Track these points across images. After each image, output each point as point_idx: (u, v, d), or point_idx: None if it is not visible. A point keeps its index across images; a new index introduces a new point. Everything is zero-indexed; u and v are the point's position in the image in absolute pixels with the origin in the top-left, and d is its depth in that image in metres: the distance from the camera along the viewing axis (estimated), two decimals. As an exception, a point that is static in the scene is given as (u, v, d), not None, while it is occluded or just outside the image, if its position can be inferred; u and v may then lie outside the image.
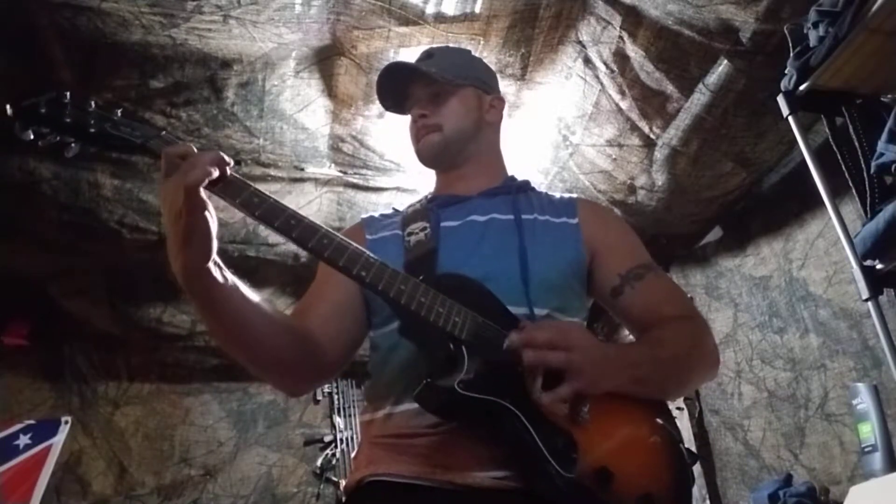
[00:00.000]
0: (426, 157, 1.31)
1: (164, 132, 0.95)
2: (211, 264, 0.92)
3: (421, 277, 0.99)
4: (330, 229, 0.95)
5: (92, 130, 0.92)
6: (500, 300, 1.04)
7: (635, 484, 0.98)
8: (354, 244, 0.95)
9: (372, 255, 0.96)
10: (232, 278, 0.96)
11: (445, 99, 1.29)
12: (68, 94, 0.91)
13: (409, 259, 1.13)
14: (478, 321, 0.98)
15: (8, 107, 0.89)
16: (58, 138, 0.92)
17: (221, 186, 0.90)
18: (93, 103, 0.93)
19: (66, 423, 3.49)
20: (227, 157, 0.90)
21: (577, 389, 0.93)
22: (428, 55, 1.33)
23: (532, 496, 0.95)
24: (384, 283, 0.94)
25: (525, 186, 1.33)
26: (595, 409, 0.98)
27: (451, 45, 2.24)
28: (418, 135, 1.29)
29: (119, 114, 0.95)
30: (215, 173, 0.88)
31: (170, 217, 0.88)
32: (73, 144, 0.93)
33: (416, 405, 0.98)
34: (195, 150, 0.91)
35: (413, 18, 2.19)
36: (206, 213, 0.89)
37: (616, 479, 0.95)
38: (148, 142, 0.93)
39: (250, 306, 0.99)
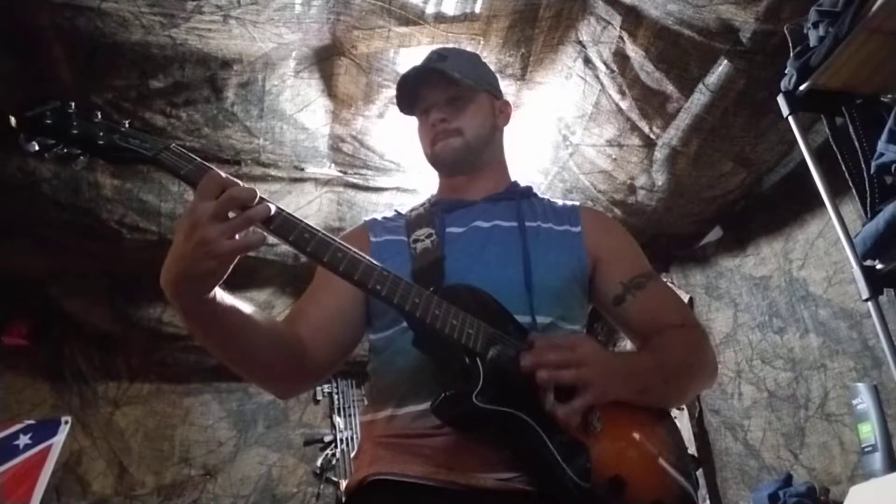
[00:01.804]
0: (444, 161, 1.30)
1: (172, 144, 0.92)
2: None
3: (431, 289, 1.00)
4: (342, 242, 0.95)
5: (101, 143, 0.89)
6: (507, 310, 1.05)
7: (647, 491, 0.99)
8: (367, 257, 0.95)
9: (385, 268, 0.96)
10: (221, 293, 0.95)
11: (465, 104, 1.29)
12: (73, 103, 0.89)
13: (416, 268, 1.13)
14: (489, 332, 0.99)
15: (11, 118, 0.86)
16: (65, 150, 0.89)
17: None
18: (98, 114, 0.91)
19: (66, 423, 3.49)
20: (270, 206, 0.88)
21: (589, 402, 0.94)
22: (441, 57, 1.31)
23: (537, 498, 0.96)
24: (399, 296, 0.95)
25: (528, 192, 1.34)
26: (605, 419, 0.99)
27: (456, 46, 2.24)
28: (436, 138, 1.28)
29: (127, 125, 0.92)
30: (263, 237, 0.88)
31: (195, 252, 0.84)
32: (81, 157, 0.90)
33: (419, 407, 1.00)
34: (237, 182, 0.88)
35: (413, 18, 2.19)
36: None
37: (629, 486, 0.96)
38: (159, 154, 0.91)
39: (238, 317, 0.98)
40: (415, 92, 1.32)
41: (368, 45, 2.27)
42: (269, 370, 1.09)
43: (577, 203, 1.34)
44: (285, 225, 0.91)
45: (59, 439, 3.42)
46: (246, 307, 1.00)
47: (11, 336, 3.52)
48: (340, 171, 2.87)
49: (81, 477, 3.64)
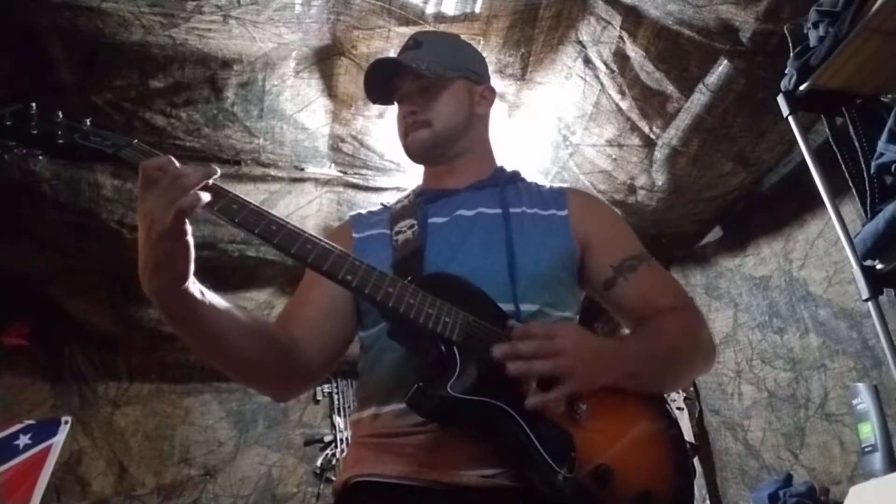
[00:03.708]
0: (414, 153, 1.29)
1: (135, 140, 0.93)
2: (188, 283, 0.90)
3: (409, 278, 0.97)
4: (313, 233, 0.93)
5: (60, 141, 0.91)
6: (490, 297, 1.02)
7: (635, 481, 0.96)
8: (339, 248, 0.93)
9: (357, 258, 0.93)
10: (207, 292, 0.94)
11: (436, 93, 1.25)
12: (34, 104, 0.90)
13: (397, 259, 1.12)
14: (468, 320, 0.96)
15: None
16: (24, 151, 0.90)
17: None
18: (59, 114, 0.92)
19: (66, 423, 3.48)
20: (211, 169, 0.88)
21: (567, 392, 0.92)
22: (416, 43, 1.28)
23: (522, 494, 0.94)
24: (371, 286, 0.92)
25: (514, 178, 1.31)
26: (592, 405, 0.97)
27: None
28: (407, 130, 1.27)
29: (88, 123, 0.93)
30: (206, 198, 0.86)
31: (149, 237, 0.85)
32: (40, 157, 0.92)
33: (402, 405, 0.97)
34: (175, 162, 0.88)
35: (413, 18, 2.19)
36: (189, 235, 0.88)
37: (615, 476, 0.94)
38: (119, 151, 0.92)
39: (227, 319, 0.97)
40: (387, 82, 1.30)
41: (368, 45, 2.27)
42: (263, 372, 1.08)
43: (565, 186, 1.31)
44: (252, 217, 0.90)
45: (59, 439, 3.42)
46: (235, 309, 0.99)
47: (11, 336, 3.52)
48: (340, 171, 2.87)
49: (81, 477, 3.64)
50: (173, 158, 0.88)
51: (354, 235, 1.23)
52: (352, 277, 0.91)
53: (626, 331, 1.20)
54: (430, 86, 1.25)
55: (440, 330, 0.94)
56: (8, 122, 0.88)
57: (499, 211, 1.19)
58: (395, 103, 1.32)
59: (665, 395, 1.11)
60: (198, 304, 0.92)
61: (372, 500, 1.00)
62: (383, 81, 1.30)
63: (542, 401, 0.90)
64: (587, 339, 0.98)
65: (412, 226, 1.17)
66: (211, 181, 0.88)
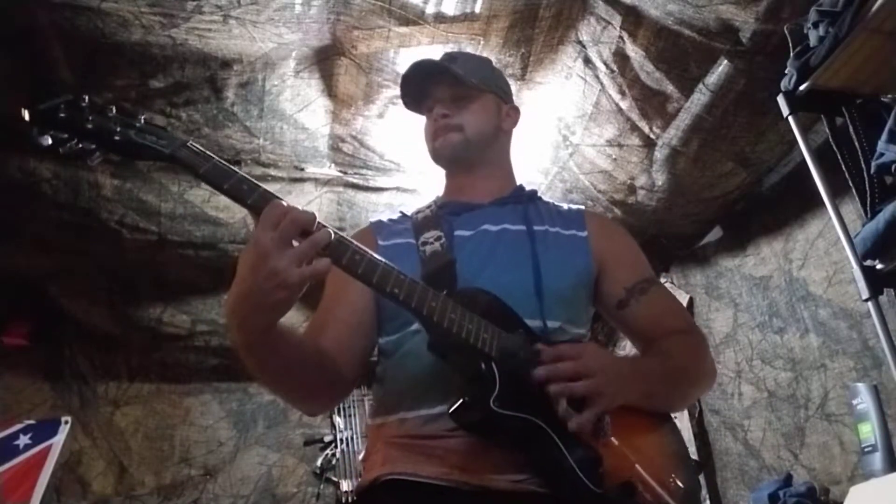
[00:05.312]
0: (443, 156, 1.31)
1: (189, 141, 0.90)
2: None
3: (445, 292, 1.00)
4: (360, 245, 0.92)
5: (117, 138, 0.87)
6: (517, 314, 1.05)
7: (654, 493, 1.00)
8: (384, 260, 0.94)
9: (401, 271, 0.95)
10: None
11: (468, 102, 1.30)
12: (86, 97, 0.87)
13: (427, 271, 1.13)
14: (503, 336, 1.00)
15: (24, 111, 0.84)
16: (80, 146, 0.86)
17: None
18: (113, 108, 0.89)
19: (66, 423, 3.48)
20: (329, 229, 0.87)
21: (600, 411, 0.96)
22: (451, 58, 1.33)
23: (550, 499, 0.97)
24: (416, 300, 0.94)
25: (533, 196, 1.35)
26: (612, 422, 1.01)
27: (459, 47, 2.28)
28: (437, 133, 1.29)
29: (143, 120, 0.90)
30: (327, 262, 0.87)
31: (268, 282, 0.83)
32: (97, 153, 0.87)
33: (431, 411, 1.01)
34: (296, 207, 0.86)
35: (413, 18, 2.19)
36: None
37: (637, 490, 0.98)
38: (176, 152, 0.88)
39: (291, 348, 0.99)
40: (422, 89, 1.33)
41: (368, 45, 2.27)
42: (311, 392, 1.11)
43: (582, 207, 1.35)
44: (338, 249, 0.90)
45: (59, 439, 3.42)
46: (295, 334, 1.00)
47: (11, 336, 3.51)
48: (340, 171, 2.88)
49: (81, 477, 3.63)
50: (296, 207, 0.86)
51: (380, 242, 1.24)
52: (398, 291, 0.93)
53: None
54: (465, 94, 1.30)
55: (480, 345, 0.97)
56: (62, 115, 0.85)
57: (523, 228, 1.22)
58: (424, 110, 1.34)
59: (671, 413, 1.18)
60: (274, 337, 0.93)
61: (404, 498, 1.01)
62: (418, 87, 1.33)
63: (582, 421, 0.94)
64: (610, 360, 1.05)
65: (439, 237, 1.19)
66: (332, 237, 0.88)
